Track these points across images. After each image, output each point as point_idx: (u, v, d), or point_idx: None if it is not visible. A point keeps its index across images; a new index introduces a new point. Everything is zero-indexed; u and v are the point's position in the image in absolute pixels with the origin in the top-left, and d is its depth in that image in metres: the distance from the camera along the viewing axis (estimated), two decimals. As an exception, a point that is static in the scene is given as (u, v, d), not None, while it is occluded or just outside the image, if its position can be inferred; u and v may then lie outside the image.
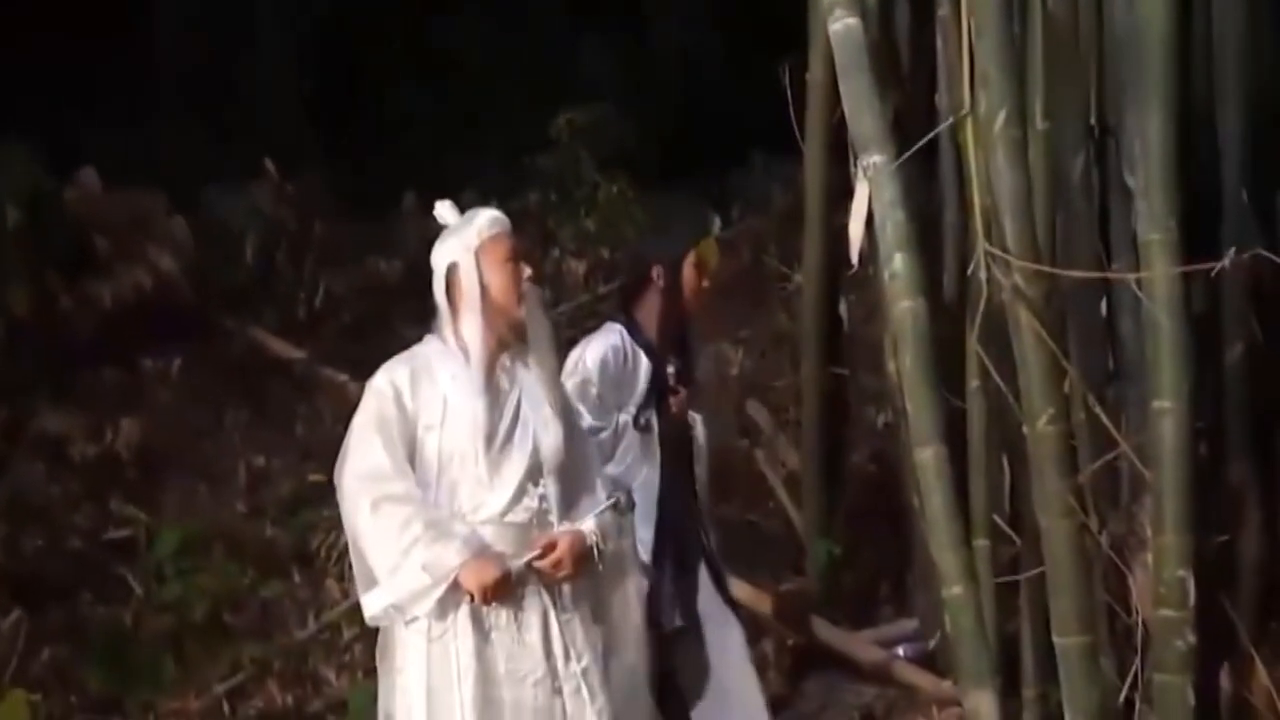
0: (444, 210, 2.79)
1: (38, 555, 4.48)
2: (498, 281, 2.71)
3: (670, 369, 3.42)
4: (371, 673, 4.08)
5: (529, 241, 2.86)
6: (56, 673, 4.11)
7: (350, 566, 4.36)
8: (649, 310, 3.44)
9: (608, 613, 2.78)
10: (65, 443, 4.92)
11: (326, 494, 4.90)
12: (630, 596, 2.79)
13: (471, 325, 2.69)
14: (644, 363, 3.38)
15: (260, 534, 4.76)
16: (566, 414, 2.79)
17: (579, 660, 2.67)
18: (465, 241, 2.72)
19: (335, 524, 4.60)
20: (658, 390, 3.37)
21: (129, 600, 4.39)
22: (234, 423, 5.37)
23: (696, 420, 3.48)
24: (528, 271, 2.74)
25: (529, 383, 2.73)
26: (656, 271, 3.45)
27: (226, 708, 4.03)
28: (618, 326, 3.43)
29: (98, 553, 4.57)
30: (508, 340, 2.74)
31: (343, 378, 5.52)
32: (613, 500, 2.77)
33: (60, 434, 4.94)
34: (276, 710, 4.01)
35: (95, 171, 6.04)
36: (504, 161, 6.77)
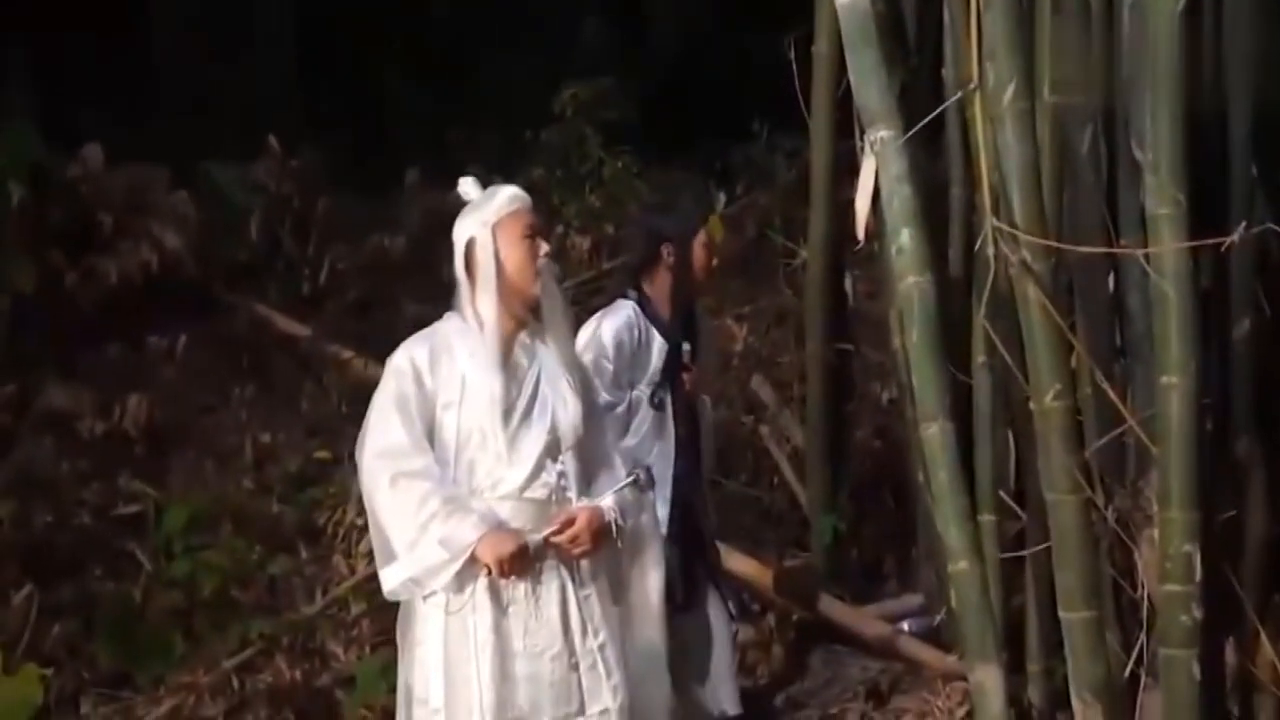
0: (467, 186, 2.79)
1: (47, 531, 4.49)
2: (514, 257, 2.71)
3: (686, 345, 3.43)
4: (378, 647, 4.14)
5: (544, 218, 2.85)
6: (67, 648, 4.14)
7: (356, 542, 4.45)
8: (660, 287, 3.45)
9: (627, 590, 2.79)
10: (73, 419, 4.93)
11: (332, 470, 4.97)
12: (649, 573, 2.80)
13: (486, 301, 2.69)
14: (657, 339, 3.39)
15: (267, 510, 4.77)
16: (585, 391, 2.80)
17: (596, 636, 2.69)
18: (483, 217, 2.73)
19: (341, 500, 4.65)
20: (672, 367, 3.38)
21: (138, 576, 4.41)
22: (240, 399, 5.38)
23: (703, 399, 3.49)
24: (545, 248, 2.74)
25: (548, 360, 2.74)
26: (667, 249, 3.45)
27: (235, 682, 4.05)
28: (630, 303, 3.43)
29: (106, 529, 4.59)
30: (523, 317, 2.74)
31: (348, 354, 5.53)
32: (633, 477, 2.78)
33: (67, 410, 4.95)
34: (285, 685, 4.03)
35: (98, 148, 6.02)
36: (508, 137, 6.74)
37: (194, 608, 4.28)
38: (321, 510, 4.68)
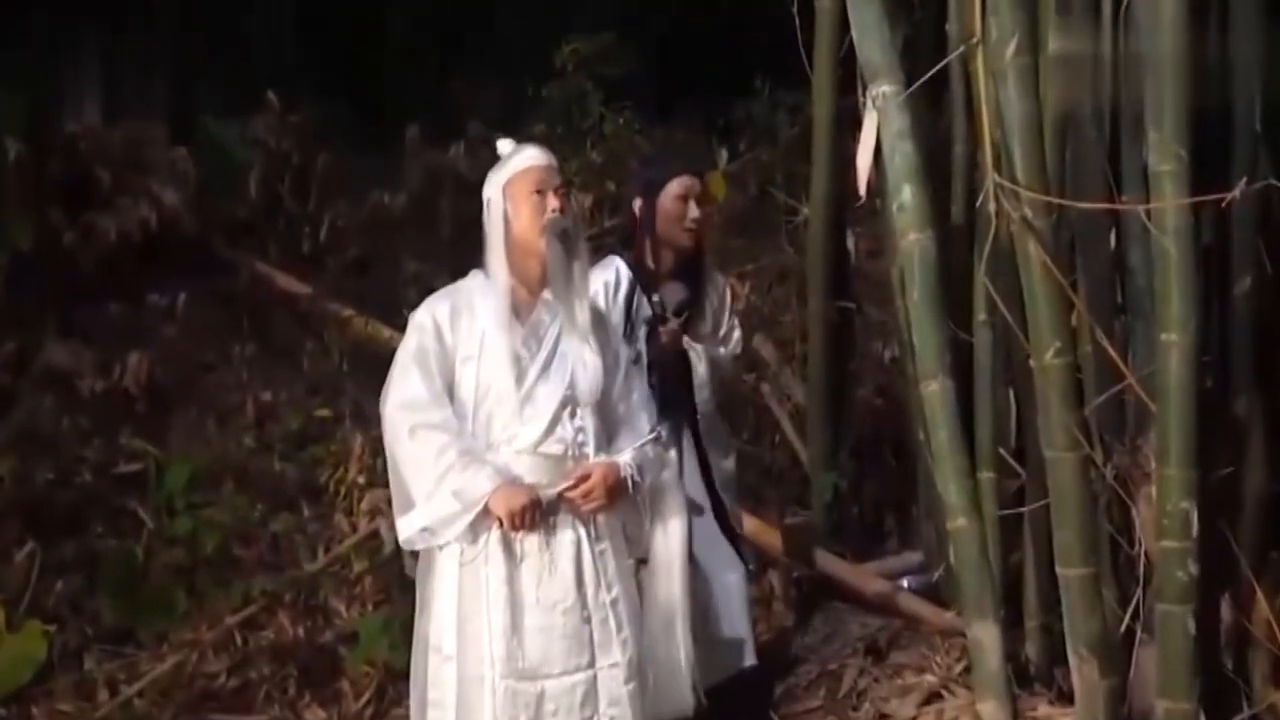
0: (501, 145, 2.84)
1: (48, 488, 4.50)
2: (521, 215, 2.74)
3: (656, 297, 3.41)
4: (380, 605, 4.16)
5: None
6: (70, 604, 4.16)
7: (358, 500, 4.46)
8: (640, 242, 3.46)
9: (648, 547, 2.80)
10: (73, 377, 4.91)
11: (333, 428, 4.97)
12: (672, 531, 2.80)
13: (496, 259, 2.75)
14: (639, 295, 3.38)
15: (269, 468, 4.78)
16: (607, 350, 2.81)
17: (609, 590, 2.72)
18: (499, 177, 2.78)
19: (343, 458, 4.65)
20: (650, 319, 3.37)
21: (140, 533, 4.42)
22: (240, 357, 5.37)
23: (697, 350, 3.45)
24: (553, 204, 2.73)
25: (576, 317, 2.75)
26: (635, 204, 3.45)
27: (238, 639, 4.07)
28: (616, 260, 3.43)
29: (108, 486, 4.59)
30: (537, 274, 2.75)
31: (348, 312, 5.51)
32: (654, 434, 2.80)
33: (68, 368, 4.94)
34: (287, 641, 4.06)
35: (96, 104, 5.97)
36: (509, 93, 6.68)
37: (196, 565, 4.30)
38: (323, 468, 4.68)
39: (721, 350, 3.57)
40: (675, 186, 3.43)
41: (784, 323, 5.51)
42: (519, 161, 2.77)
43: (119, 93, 6.33)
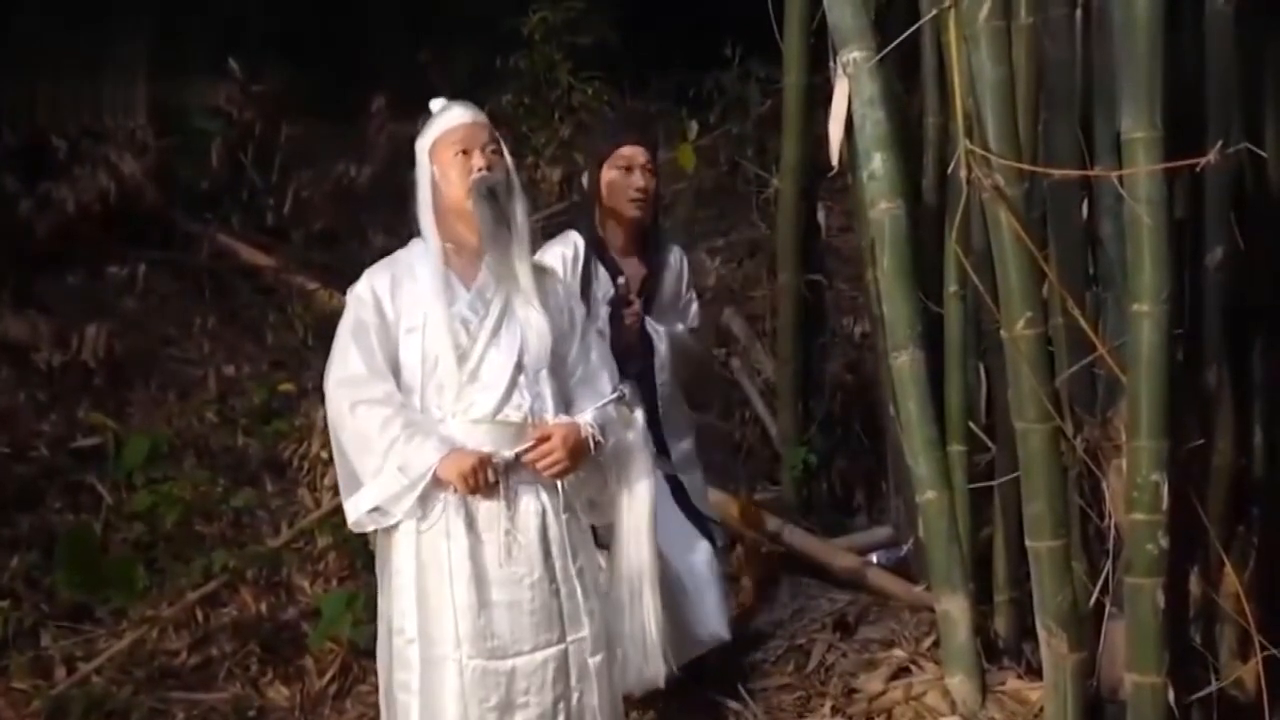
0: (433, 104, 2.76)
1: (4, 462, 4.41)
2: (448, 177, 2.67)
3: (621, 280, 3.33)
4: (344, 581, 4.10)
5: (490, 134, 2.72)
6: (26, 580, 4.08)
7: (321, 475, 4.40)
8: (594, 215, 3.38)
9: (615, 510, 2.72)
10: (30, 349, 4.82)
11: (297, 403, 4.90)
12: (639, 493, 2.70)
13: (427, 225, 2.67)
14: (598, 272, 3.32)
15: (231, 443, 4.70)
16: (559, 310, 2.73)
17: (574, 560, 2.64)
18: (425, 141, 2.70)
19: (306, 433, 4.59)
20: (614, 300, 3.30)
21: (98, 509, 4.34)
22: (202, 330, 5.29)
23: (659, 331, 3.38)
24: (479, 163, 2.65)
25: (521, 279, 2.67)
26: (588, 176, 3.39)
27: (199, 615, 4.01)
28: (574, 234, 3.36)
29: (65, 461, 4.50)
30: (469, 237, 2.67)
31: (313, 285, 5.44)
32: (617, 393, 2.72)
33: (24, 341, 4.84)
34: (250, 617, 4.00)
35: (54, 71, 5.84)
36: (479, 63, 6.58)
37: (156, 541, 4.22)
38: (286, 443, 4.61)
39: (679, 326, 3.48)
40: (619, 157, 3.33)
41: (754, 297, 5.48)
42: (443, 122, 2.69)
43: (78, 60, 6.17)
